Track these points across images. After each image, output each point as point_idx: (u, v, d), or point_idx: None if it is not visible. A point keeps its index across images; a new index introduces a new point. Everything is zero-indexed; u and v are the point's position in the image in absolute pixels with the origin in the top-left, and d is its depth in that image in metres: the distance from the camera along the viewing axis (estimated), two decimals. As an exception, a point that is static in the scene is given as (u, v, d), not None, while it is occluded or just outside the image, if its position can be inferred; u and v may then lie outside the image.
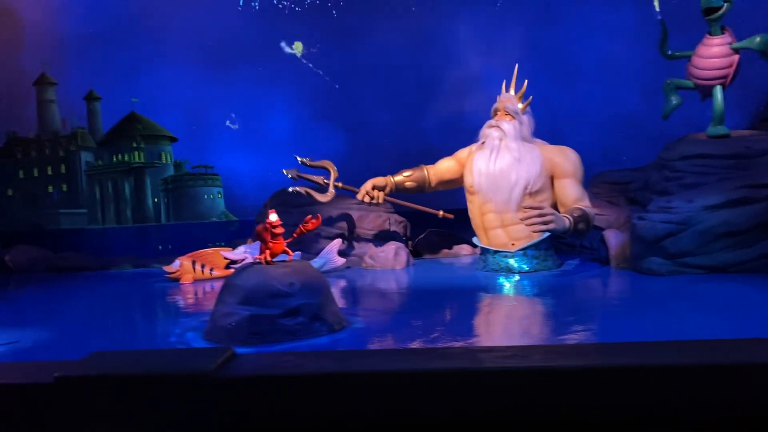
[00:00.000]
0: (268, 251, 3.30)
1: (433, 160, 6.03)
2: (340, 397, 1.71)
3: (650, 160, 6.07)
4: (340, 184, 5.14)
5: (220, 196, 7.62)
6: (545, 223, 4.55)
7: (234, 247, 5.49)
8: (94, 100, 7.67)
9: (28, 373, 1.80)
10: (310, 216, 3.44)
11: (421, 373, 1.70)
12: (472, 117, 6.92)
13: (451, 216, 5.53)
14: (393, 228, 5.89)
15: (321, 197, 5.11)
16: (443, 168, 5.45)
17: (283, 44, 6.89)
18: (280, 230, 3.26)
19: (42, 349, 3.24)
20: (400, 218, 6.02)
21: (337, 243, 5.35)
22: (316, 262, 4.88)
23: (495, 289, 4.42)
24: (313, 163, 5.10)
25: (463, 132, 6.64)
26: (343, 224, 5.74)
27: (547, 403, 1.74)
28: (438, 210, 5.53)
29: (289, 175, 5.08)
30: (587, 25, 6.91)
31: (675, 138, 5.71)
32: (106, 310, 4.72)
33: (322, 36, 7.30)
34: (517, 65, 5.13)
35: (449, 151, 5.88)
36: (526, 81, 5.09)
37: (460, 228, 5.83)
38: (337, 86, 6.67)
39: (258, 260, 3.34)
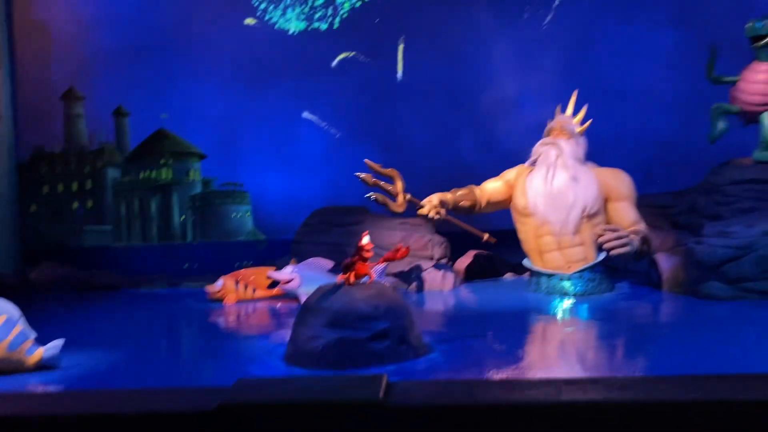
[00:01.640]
0: (352, 272, 3.23)
1: (468, 180, 5.93)
2: (516, 428, 1.63)
3: (686, 184, 6.05)
4: (408, 195, 4.95)
5: (248, 214, 7.49)
6: (623, 245, 4.48)
7: (279, 267, 5.36)
8: (122, 115, 7.57)
9: (189, 400, 1.70)
10: (401, 244, 3.36)
11: (602, 404, 1.62)
12: (507, 137, 6.89)
13: (494, 240, 5.44)
14: (435, 249, 5.80)
15: (395, 207, 4.91)
16: (491, 189, 5.36)
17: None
18: (370, 254, 3.19)
19: (110, 374, 3.11)
20: (441, 239, 5.91)
21: (384, 265, 5.26)
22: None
23: (560, 313, 4.35)
24: (382, 170, 4.90)
25: (499, 152, 6.61)
26: (388, 245, 5.63)
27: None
28: (483, 232, 5.41)
29: (365, 180, 4.86)
30: (626, 48, 6.94)
31: (712, 163, 5.72)
32: (158, 331, 4.57)
33: (356, 53, 7.25)
34: (576, 90, 5.17)
35: (485, 171, 5.79)
36: (587, 105, 5.10)
37: (499, 249, 5.74)
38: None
39: (341, 281, 3.26)
